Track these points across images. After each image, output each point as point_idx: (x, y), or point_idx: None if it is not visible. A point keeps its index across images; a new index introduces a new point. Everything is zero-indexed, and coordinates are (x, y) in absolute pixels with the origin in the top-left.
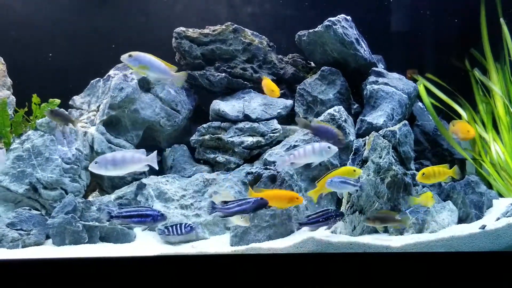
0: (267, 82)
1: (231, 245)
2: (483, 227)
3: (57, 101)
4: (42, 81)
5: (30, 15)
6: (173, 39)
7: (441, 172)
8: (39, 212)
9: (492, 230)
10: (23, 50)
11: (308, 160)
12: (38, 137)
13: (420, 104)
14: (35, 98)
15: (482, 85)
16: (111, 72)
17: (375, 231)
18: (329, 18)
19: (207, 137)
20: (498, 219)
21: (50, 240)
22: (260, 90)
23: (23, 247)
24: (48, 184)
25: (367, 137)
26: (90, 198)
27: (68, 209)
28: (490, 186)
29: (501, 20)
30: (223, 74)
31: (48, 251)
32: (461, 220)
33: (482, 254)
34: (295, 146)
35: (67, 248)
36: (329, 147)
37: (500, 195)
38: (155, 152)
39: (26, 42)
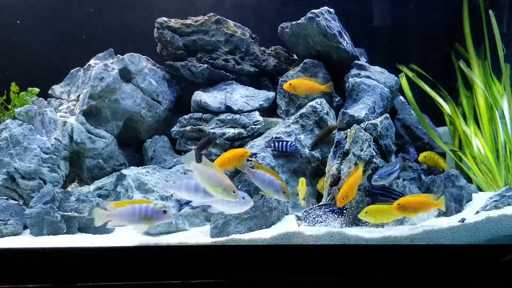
0: None
1: (212, 237)
2: (463, 220)
3: (36, 90)
4: (21, 70)
5: (9, 4)
6: (155, 29)
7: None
8: (16, 202)
9: (471, 223)
10: (1, 38)
11: (189, 197)
12: (17, 126)
13: (401, 97)
14: (13, 87)
15: (465, 78)
16: (92, 62)
17: (356, 223)
18: (312, 10)
19: (188, 128)
20: (477, 212)
21: (27, 230)
22: (242, 82)
23: (0, 237)
24: (26, 174)
25: (348, 130)
26: (69, 189)
27: (46, 199)
28: (470, 180)
29: (490, 12)
30: (205, 65)
31: (26, 241)
32: (441, 214)
33: (461, 247)
34: (276, 138)
35: (45, 239)
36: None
37: (480, 189)
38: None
39: (5, 31)
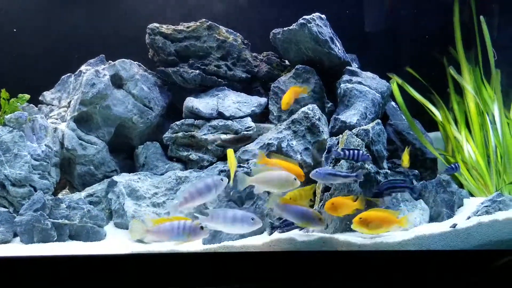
0: None
1: (203, 244)
2: (454, 226)
3: (27, 96)
4: (11, 76)
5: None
6: (147, 35)
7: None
8: (6, 210)
9: (463, 229)
10: None
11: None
12: (7, 133)
13: (393, 103)
14: (3, 93)
15: (457, 83)
16: (83, 68)
17: (348, 229)
18: (304, 16)
19: (180, 134)
20: (468, 218)
21: (17, 238)
22: (234, 88)
23: None
24: (16, 181)
25: (340, 136)
26: (59, 196)
27: (36, 207)
28: (461, 186)
29: (481, 18)
30: (197, 71)
31: (16, 249)
32: (432, 219)
33: (453, 253)
34: (268, 144)
35: (35, 246)
36: (222, 179)
37: (471, 195)
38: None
39: None
